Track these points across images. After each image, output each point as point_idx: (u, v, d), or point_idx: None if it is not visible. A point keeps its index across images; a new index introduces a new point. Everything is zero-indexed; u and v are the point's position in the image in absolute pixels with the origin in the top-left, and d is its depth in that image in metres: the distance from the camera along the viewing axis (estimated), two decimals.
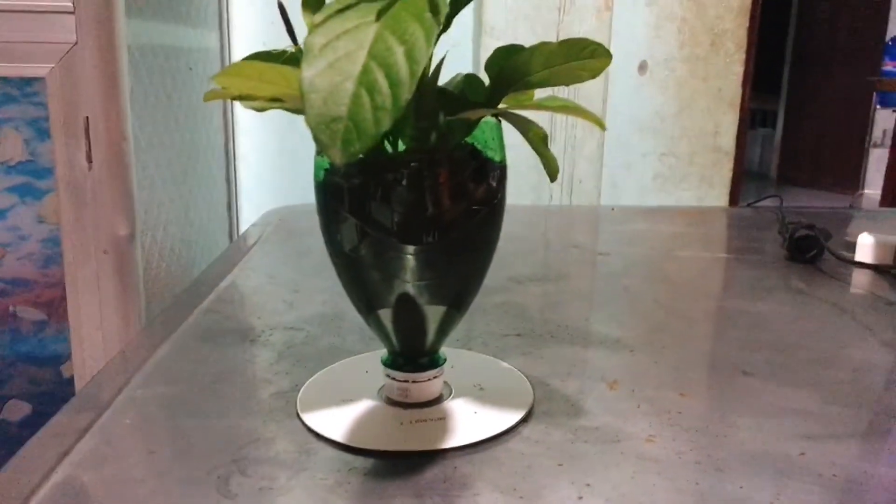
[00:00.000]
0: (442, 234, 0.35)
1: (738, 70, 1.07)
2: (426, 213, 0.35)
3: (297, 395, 0.40)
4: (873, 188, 4.25)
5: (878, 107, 4.25)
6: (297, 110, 0.34)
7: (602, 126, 0.29)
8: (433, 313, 0.37)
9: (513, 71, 0.37)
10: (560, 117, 1.06)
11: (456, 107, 0.35)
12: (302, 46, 0.35)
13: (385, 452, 0.34)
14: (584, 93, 1.03)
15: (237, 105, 1.04)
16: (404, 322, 0.38)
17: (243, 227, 1.08)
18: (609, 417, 0.38)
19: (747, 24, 1.07)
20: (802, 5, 4.92)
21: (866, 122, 4.46)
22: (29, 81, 0.63)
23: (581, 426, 0.37)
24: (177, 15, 0.81)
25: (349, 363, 0.44)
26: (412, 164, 0.34)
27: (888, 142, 3.81)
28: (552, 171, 0.39)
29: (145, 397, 0.40)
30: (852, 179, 4.59)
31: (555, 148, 1.06)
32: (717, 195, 1.14)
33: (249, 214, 1.08)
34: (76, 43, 0.62)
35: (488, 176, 0.36)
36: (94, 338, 0.68)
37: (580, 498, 0.30)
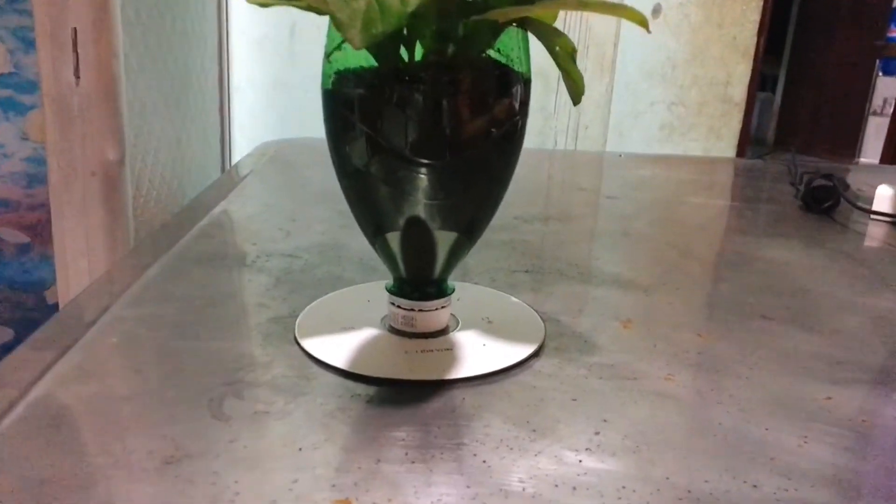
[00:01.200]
0: (458, 151, 0.32)
1: (754, 18, 1.03)
2: (442, 127, 0.32)
3: (294, 321, 0.37)
4: (870, 157, 4.22)
5: (880, 74, 4.19)
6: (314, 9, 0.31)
7: (646, 26, 0.26)
8: (443, 239, 0.35)
9: None
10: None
11: (479, 9, 0.32)
12: None
13: (389, 380, 0.32)
14: (594, 35, 0.99)
15: (233, 32, 0.99)
16: (413, 246, 0.35)
17: (236, 160, 1.05)
18: (624, 355, 0.36)
19: None
20: None
21: (867, 90, 4.41)
22: None
23: (595, 363, 0.35)
24: None
25: (350, 291, 0.42)
26: (429, 72, 0.32)
27: (889, 110, 3.77)
28: (577, 92, 0.36)
29: (133, 317, 0.37)
30: (849, 147, 4.56)
31: (562, 91, 1.02)
32: (725, 147, 1.11)
33: (243, 147, 1.04)
34: None
35: (511, 90, 0.33)
36: (79, 264, 0.66)
37: (597, 433, 0.29)
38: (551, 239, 0.54)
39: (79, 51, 0.61)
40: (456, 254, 0.36)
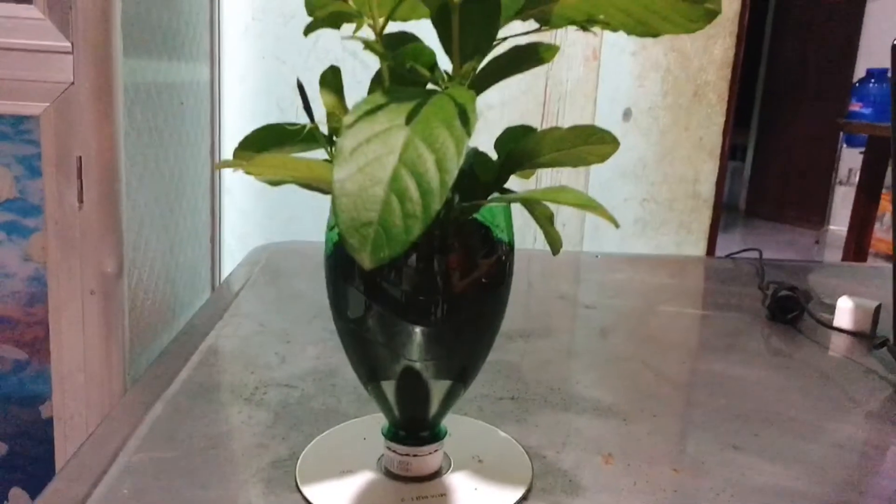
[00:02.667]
0: (449, 310, 0.35)
1: (719, 121, 1.10)
2: (434, 289, 0.35)
3: (294, 463, 0.40)
4: (838, 224, 4.35)
5: (844, 145, 4.37)
6: (318, 189, 0.35)
7: (616, 224, 0.30)
8: (437, 387, 0.38)
9: (522, 153, 0.38)
10: None
11: (467, 184, 0.36)
12: (317, 124, 0.36)
13: None
14: None
15: (225, 138, 1.04)
16: (407, 395, 0.38)
17: (226, 262, 1.08)
18: (606, 496, 0.38)
19: (729, 77, 1.10)
20: (773, 42, 5.05)
21: (833, 160, 4.58)
22: (22, 119, 0.63)
23: None
24: (171, 49, 0.81)
25: (346, 428, 0.44)
26: (421, 240, 0.35)
27: (854, 180, 3.91)
28: (556, 247, 0.40)
29: (140, 464, 0.39)
30: (819, 214, 4.70)
31: None
32: (696, 240, 1.16)
33: (233, 248, 1.07)
34: (72, 83, 0.62)
35: (496, 253, 0.37)
36: (75, 378, 0.67)
37: None
38: (533, 359, 0.57)
39: (83, 178, 0.64)
40: (450, 399, 0.39)
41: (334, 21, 0.34)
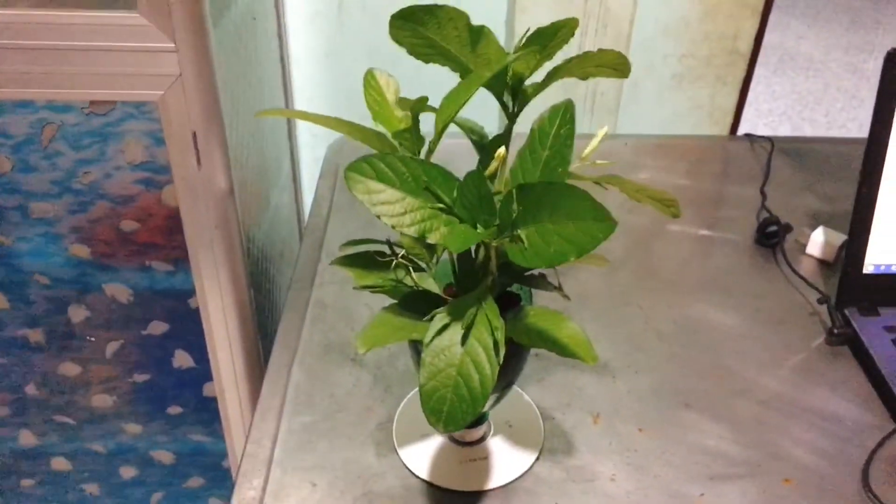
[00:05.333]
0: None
1: None
2: None
3: (391, 426, 0.62)
4: None
5: None
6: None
7: (605, 264, 0.47)
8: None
9: None
10: (590, 34, 1.13)
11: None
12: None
13: (454, 491, 0.57)
14: (612, 15, 1.09)
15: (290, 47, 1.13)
16: None
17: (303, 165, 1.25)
18: (590, 456, 0.60)
19: None
20: None
21: None
22: (144, 104, 0.77)
23: (572, 465, 0.59)
24: None
25: None
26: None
27: None
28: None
29: (296, 428, 0.62)
30: None
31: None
32: (729, 92, 1.24)
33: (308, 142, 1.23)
34: (180, 75, 0.75)
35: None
36: (211, 277, 0.90)
37: None
38: (549, 306, 0.75)
39: (198, 148, 0.79)
40: (496, 402, 0.59)
41: None
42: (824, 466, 0.59)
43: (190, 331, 0.94)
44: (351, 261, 0.52)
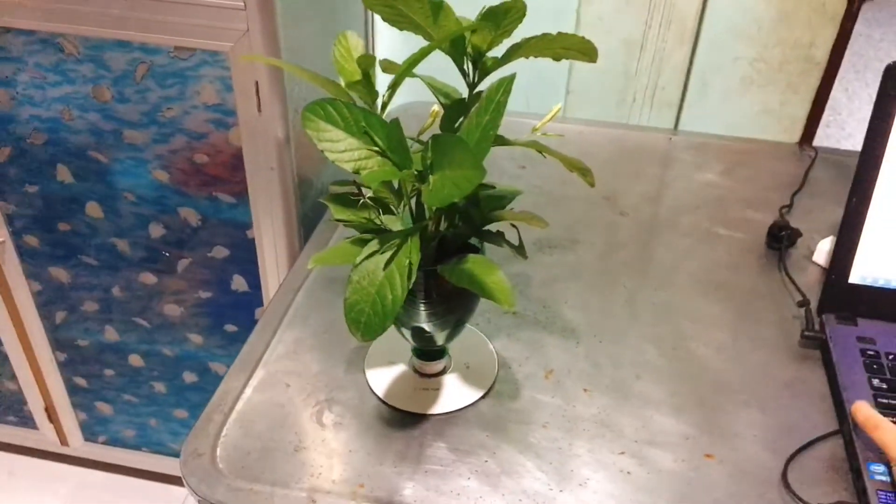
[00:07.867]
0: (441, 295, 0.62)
1: None
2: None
3: (366, 351, 0.71)
4: None
5: None
6: None
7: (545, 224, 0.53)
8: (440, 331, 0.66)
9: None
10: (654, 28, 1.15)
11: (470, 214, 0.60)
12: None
13: (406, 411, 0.66)
14: (678, 10, 1.11)
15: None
16: (420, 338, 0.66)
17: None
18: (531, 404, 0.66)
19: None
20: None
21: None
22: (217, 53, 0.89)
23: (513, 408, 0.66)
24: None
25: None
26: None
27: None
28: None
29: (288, 339, 0.72)
30: None
31: (644, 58, 1.17)
32: (801, 100, 1.22)
33: None
34: (247, 30, 0.87)
35: None
36: (267, 211, 1.02)
37: (493, 454, 0.61)
38: (546, 275, 0.81)
39: (260, 96, 0.91)
40: (450, 337, 0.67)
41: None
42: (752, 452, 0.63)
43: (247, 259, 1.07)
44: (335, 198, 0.61)
